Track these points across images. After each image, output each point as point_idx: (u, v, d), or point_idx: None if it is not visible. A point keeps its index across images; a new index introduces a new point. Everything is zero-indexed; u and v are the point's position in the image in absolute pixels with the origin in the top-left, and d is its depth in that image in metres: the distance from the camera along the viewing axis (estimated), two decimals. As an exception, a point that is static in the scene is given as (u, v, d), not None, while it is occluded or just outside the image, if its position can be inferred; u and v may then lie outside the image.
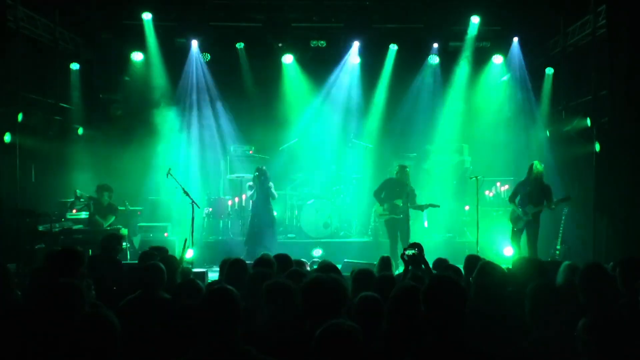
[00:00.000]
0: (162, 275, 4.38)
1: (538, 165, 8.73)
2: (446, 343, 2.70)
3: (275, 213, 11.15)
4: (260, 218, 9.66)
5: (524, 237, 8.92)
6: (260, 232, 9.60)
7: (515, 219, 8.94)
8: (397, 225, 9.49)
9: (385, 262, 5.61)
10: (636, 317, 3.70)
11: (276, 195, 9.90)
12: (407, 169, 9.64)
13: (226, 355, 2.74)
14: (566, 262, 4.87)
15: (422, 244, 5.31)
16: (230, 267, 4.76)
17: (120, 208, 9.82)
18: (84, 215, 9.71)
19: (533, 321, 3.27)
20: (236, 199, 11.42)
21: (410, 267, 5.11)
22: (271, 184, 9.80)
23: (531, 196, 8.72)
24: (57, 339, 2.76)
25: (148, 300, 4.19)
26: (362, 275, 4.49)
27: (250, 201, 10.13)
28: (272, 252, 7.05)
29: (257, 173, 9.81)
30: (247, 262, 5.24)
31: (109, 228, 9.17)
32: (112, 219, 9.39)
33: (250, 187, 10.07)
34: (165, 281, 4.41)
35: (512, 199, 9.01)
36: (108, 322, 2.65)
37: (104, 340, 2.60)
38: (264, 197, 9.70)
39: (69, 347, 2.61)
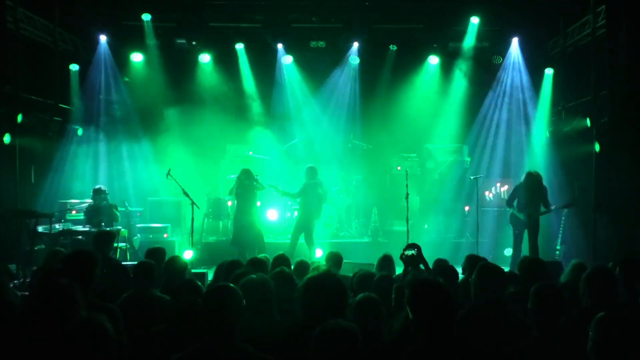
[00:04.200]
0: (154, 272, 4.42)
1: (534, 173, 8.91)
2: (438, 345, 2.70)
3: (275, 214, 11.16)
4: (245, 219, 9.52)
5: (525, 238, 8.97)
6: (247, 234, 9.48)
7: (515, 223, 9.02)
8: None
9: (385, 261, 5.61)
10: (637, 318, 3.69)
11: (265, 186, 9.80)
12: (311, 169, 9.74)
13: (223, 352, 2.74)
14: (574, 261, 4.85)
15: (421, 245, 5.30)
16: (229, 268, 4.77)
17: (120, 209, 9.82)
18: (83, 216, 9.71)
19: (535, 321, 3.26)
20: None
21: (409, 268, 5.11)
22: (257, 183, 9.61)
23: (531, 201, 8.84)
24: (51, 344, 2.70)
25: (140, 299, 4.21)
26: (362, 278, 4.49)
27: (236, 201, 9.98)
28: (264, 252, 7.04)
29: (238, 174, 9.65)
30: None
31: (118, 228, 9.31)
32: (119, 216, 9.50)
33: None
34: (157, 279, 4.46)
35: (510, 203, 9.15)
36: (102, 328, 2.58)
37: (98, 347, 2.53)
38: (248, 197, 9.58)
39: (62, 354, 2.54)
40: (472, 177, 9.85)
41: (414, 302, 2.80)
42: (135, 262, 5.38)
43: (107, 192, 9.49)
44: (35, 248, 8.64)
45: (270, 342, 3.08)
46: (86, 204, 9.81)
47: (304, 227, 9.74)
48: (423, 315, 2.74)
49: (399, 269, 5.56)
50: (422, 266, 5.21)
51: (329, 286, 3.19)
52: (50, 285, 3.20)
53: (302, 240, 9.80)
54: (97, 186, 9.54)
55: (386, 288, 4.10)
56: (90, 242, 8.60)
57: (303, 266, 5.60)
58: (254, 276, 3.64)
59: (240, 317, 2.83)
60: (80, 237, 8.90)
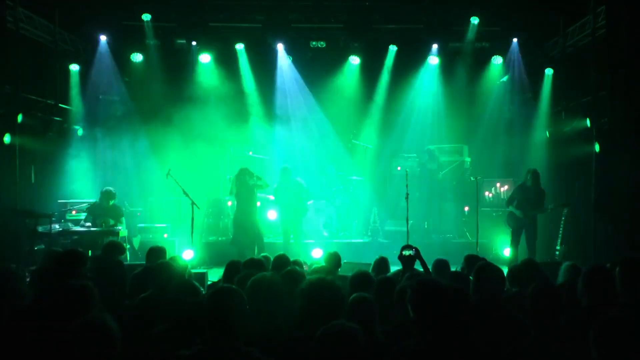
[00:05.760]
0: (174, 272, 4.41)
1: (537, 172, 9.04)
2: (439, 344, 2.69)
3: (275, 214, 11.16)
4: (245, 219, 9.52)
5: (522, 239, 8.99)
6: (247, 234, 9.49)
7: (511, 222, 9.07)
8: None
9: (382, 263, 5.60)
10: (637, 319, 3.68)
11: (269, 184, 9.82)
12: (284, 169, 9.91)
13: (228, 356, 2.70)
14: (567, 263, 4.87)
15: (421, 245, 5.31)
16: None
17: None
18: (83, 216, 9.72)
19: (533, 322, 3.26)
20: (236, 200, 11.42)
21: (408, 268, 5.11)
22: (260, 180, 9.62)
23: (529, 200, 8.95)
24: (56, 344, 2.68)
25: (158, 299, 4.16)
26: (359, 279, 4.47)
27: (236, 201, 9.98)
28: (264, 252, 7.03)
29: (237, 173, 9.65)
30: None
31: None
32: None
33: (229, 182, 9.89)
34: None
35: (509, 203, 9.23)
36: (107, 328, 2.54)
37: (101, 347, 2.50)
38: (248, 197, 9.58)
39: (64, 353, 2.52)
40: (472, 178, 9.85)
41: (415, 301, 2.80)
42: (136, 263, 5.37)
43: (116, 194, 9.48)
44: (35, 248, 8.65)
45: (273, 344, 3.07)
46: (86, 204, 9.80)
47: (289, 226, 9.91)
48: (424, 314, 2.74)
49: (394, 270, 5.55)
50: (421, 268, 5.21)
51: (327, 294, 3.17)
52: (68, 285, 3.20)
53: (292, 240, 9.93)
54: (107, 188, 9.46)
55: (388, 290, 4.06)
56: (90, 242, 8.66)
57: (298, 264, 5.57)
58: (267, 274, 3.64)
59: (244, 320, 2.79)
60: (79, 237, 8.90)
